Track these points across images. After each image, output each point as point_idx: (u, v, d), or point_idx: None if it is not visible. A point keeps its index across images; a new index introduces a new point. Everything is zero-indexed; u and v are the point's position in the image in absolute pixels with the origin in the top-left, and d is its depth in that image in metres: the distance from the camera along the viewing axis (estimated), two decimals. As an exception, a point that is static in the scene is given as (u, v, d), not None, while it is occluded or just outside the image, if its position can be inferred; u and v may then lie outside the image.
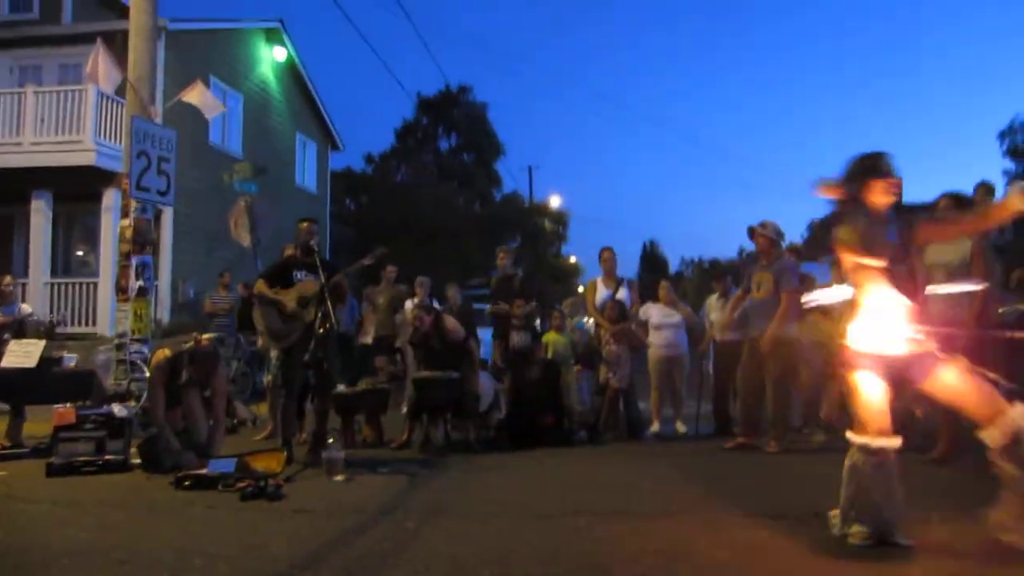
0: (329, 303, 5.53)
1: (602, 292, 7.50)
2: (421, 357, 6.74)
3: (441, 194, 26.08)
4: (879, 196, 3.08)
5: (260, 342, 7.50)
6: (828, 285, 6.73)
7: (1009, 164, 29.25)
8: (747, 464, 5.63)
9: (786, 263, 6.21)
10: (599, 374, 7.19)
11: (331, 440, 5.22)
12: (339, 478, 4.88)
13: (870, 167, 3.11)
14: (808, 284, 6.45)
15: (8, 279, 7.50)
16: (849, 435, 3.20)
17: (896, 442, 3.11)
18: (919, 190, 8.95)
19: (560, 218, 34.31)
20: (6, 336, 6.67)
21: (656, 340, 7.52)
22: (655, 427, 7.32)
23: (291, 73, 19.22)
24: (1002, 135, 29.77)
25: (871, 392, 3.10)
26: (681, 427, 7.39)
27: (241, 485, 4.44)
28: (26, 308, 7.80)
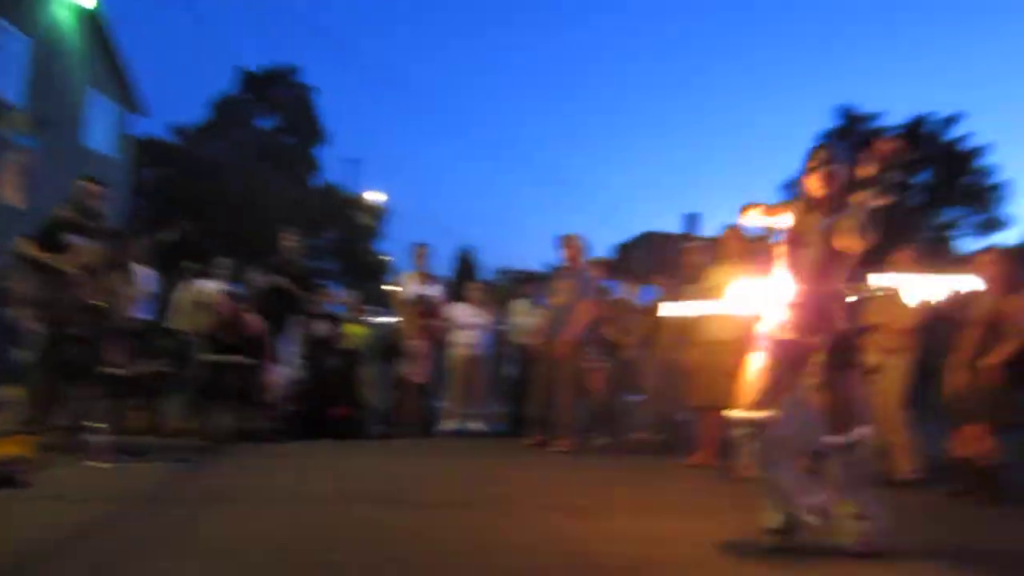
0: (112, 274, 5.07)
1: (412, 287, 7.52)
2: (211, 344, 6.37)
3: (256, 174, 24.78)
4: (812, 187, 3.27)
5: (18, 313, 6.70)
6: (623, 299, 7.32)
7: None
8: (539, 461, 5.88)
9: (584, 274, 6.62)
10: (399, 368, 7.20)
11: (97, 424, 4.79)
12: (104, 464, 4.50)
13: (809, 160, 3.29)
14: (604, 297, 6.94)
15: None
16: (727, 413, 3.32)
17: (767, 414, 3.13)
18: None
19: (377, 213, 33.84)
20: None
21: (460, 339, 7.66)
22: (452, 424, 7.45)
23: (91, 23, 17.43)
24: (786, 187, 33.34)
25: (751, 368, 3.24)
26: (478, 425, 7.58)
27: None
28: None
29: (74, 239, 5.14)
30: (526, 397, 7.51)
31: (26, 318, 5.76)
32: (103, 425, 4.80)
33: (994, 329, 4.68)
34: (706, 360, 5.44)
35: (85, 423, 4.90)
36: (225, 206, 22.50)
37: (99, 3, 17.13)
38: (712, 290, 5.57)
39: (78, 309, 5.02)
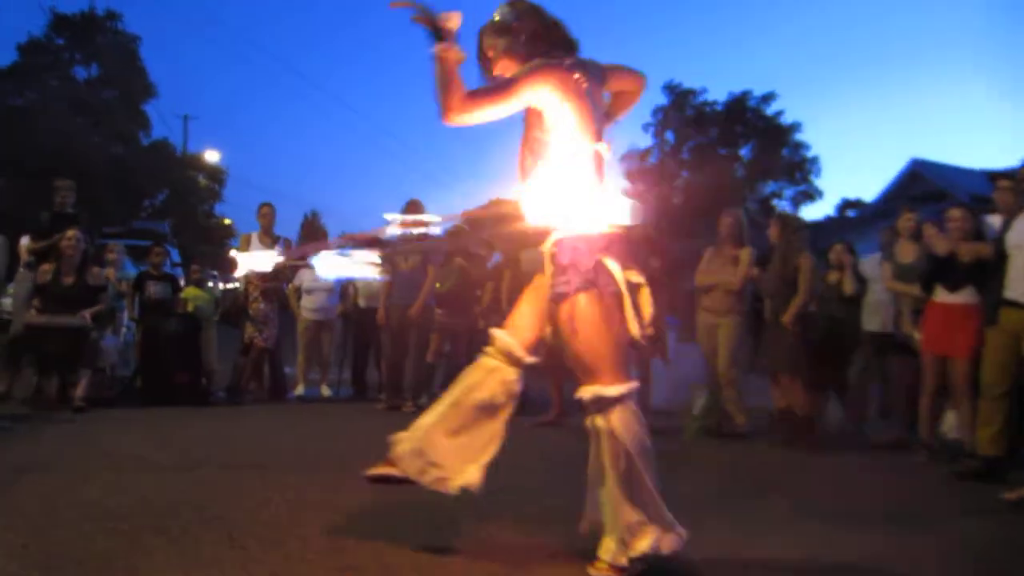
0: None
1: (256, 248, 7.21)
2: (45, 300, 5.84)
3: (69, 127, 22.48)
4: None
5: None
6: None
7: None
8: (388, 424, 5.88)
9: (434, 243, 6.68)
10: (244, 332, 6.94)
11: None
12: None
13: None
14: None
15: None
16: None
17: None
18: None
19: (216, 175, 31.96)
20: None
21: (307, 304, 7.48)
22: (299, 390, 7.29)
23: None
24: (621, 159, 34.99)
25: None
26: (326, 391, 7.47)
27: None
28: None
29: None
30: (366, 362, 7.56)
31: None
32: None
33: (788, 288, 5.28)
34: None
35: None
36: (36, 159, 20.28)
37: None
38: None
39: None
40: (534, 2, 2.54)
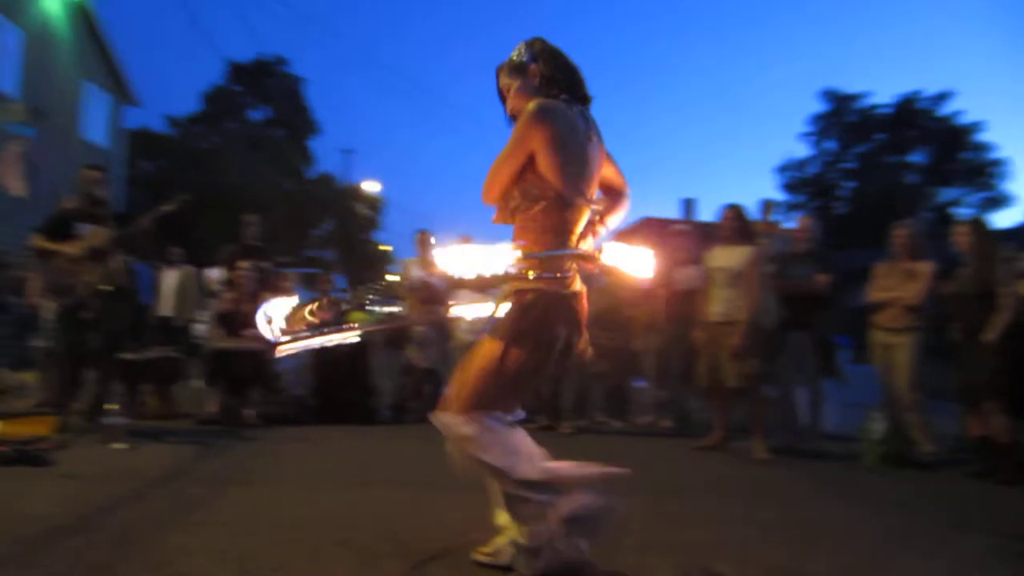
0: (120, 257, 5.11)
1: (416, 273, 7.54)
2: (228, 325, 6.41)
3: (250, 165, 24.71)
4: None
5: (33, 301, 6.74)
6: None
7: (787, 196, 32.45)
8: (545, 444, 5.93)
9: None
10: (406, 353, 7.24)
11: (113, 407, 4.84)
12: (119, 446, 4.54)
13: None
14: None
15: None
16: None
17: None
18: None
19: (375, 204, 33.83)
20: None
21: (463, 325, 7.69)
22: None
23: (82, 15, 17.33)
24: (780, 169, 33.39)
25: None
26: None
27: (1, 449, 3.99)
28: None
29: (82, 227, 5.22)
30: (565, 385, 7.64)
31: (40, 306, 5.79)
32: (117, 407, 4.85)
33: (984, 302, 4.76)
34: (710, 341, 5.50)
35: (101, 406, 4.95)
36: (219, 197, 22.42)
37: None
38: (712, 271, 5.64)
39: (89, 294, 5.06)
40: (553, 46, 2.50)
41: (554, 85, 2.41)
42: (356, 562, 2.62)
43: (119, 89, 19.32)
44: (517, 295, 2.35)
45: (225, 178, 23.37)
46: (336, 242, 27.59)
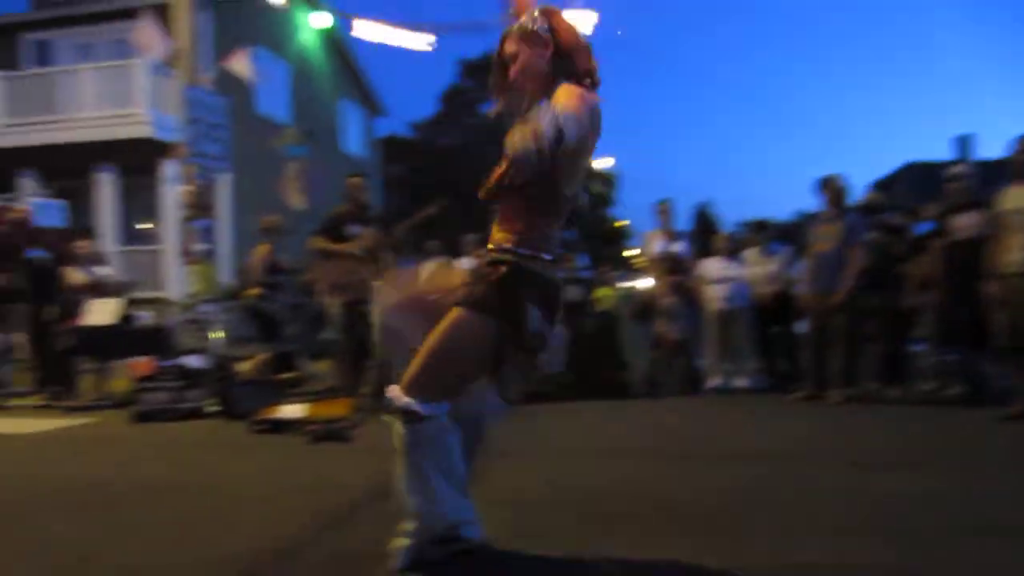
0: (388, 256, 5.65)
1: (658, 244, 7.44)
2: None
3: (488, 157, 25.98)
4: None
5: (320, 298, 7.69)
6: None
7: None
8: (812, 415, 5.62)
9: (853, 217, 6.18)
10: (655, 327, 7.19)
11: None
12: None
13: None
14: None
15: (86, 242, 7.76)
16: None
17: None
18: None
19: (609, 180, 33.97)
20: (84, 296, 6.96)
21: (714, 294, 7.46)
22: (714, 381, 7.31)
23: (334, 42, 19.32)
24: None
25: None
26: (741, 382, 7.36)
27: (311, 428, 4.61)
28: (103, 269, 8.05)
29: (353, 228, 5.83)
30: (775, 350, 7.24)
31: (327, 303, 6.60)
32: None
33: None
34: (1011, 295, 4.79)
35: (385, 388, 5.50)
36: (461, 190, 23.92)
37: (335, 22, 18.89)
38: (1006, 215, 4.90)
39: (368, 289, 5.64)
40: (570, 22, 2.25)
41: (567, 63, 2.20)
42: (638, 530, 2.65)
43: (369, 103, 21.32)
44: (492, 266, 2.18)
45: (465, 172, 24.86)
46: (574, 221, 28.14)
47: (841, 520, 2.71)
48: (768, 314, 7.11)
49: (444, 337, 2.13)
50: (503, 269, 2.14)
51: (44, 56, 15.06)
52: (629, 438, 4.75)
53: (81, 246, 7.32)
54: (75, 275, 7.05)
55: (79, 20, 14.90)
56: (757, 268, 7.29)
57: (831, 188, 6.22)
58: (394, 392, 2.19)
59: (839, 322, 6.01)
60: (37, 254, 6.95)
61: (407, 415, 2.15)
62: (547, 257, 2.18)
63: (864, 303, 6.09)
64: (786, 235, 10.44)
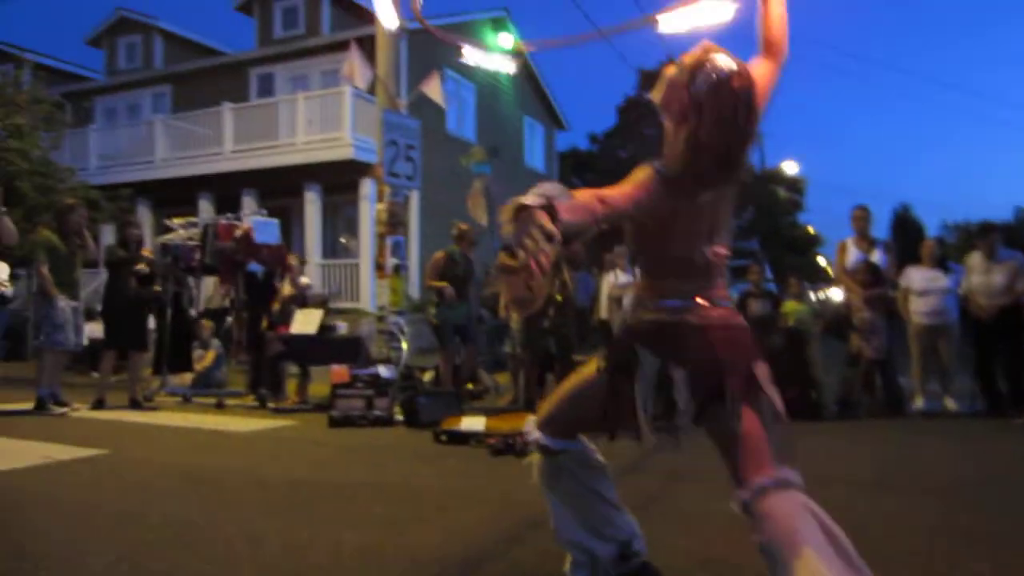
0: (565, 271, 5.70)
1: (854, 254, 6.90)
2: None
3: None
4: None
5: (502, 312, 7.92)
6: None
7: None
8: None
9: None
10: (851, 344, 6.67)
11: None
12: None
13: None
14: None
15: (293, 257, 8.58)
16: None
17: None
18: None
19: (796, 185, 32.15)
20: (292, 307, 7.69)
21: (919, 307, 6.79)
22: (919, 403, 6.65)
23: (518, 59, 19.90)
24: None
25: None
26: (951, 403, 6.64)
27: (491, 441, 4.74)
28: (306, 281, 8.85)
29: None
30: (993, 369, 6.44)
31: (508, 317, 6.79)
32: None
33: None
34: None
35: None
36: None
37: (516, 40, 19.46)
38: None
39: (546, 303, 5.74)
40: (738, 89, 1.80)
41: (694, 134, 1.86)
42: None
43: (551, 117, 21.73)
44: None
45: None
46: (758, 230, 26.89)
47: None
48: (994, 330, 6.33)
49: (574, 382, 2.18)
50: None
51: (265, 88, 16.87)
52: (816, 463, 4.42)
53: (292, 261, 8.09)
54: (286, 287, 7.81)
55: (295, 55, 16.54)
56: (980, 277, 6.52)
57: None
58: (530, 425, 2.26)
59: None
60: (255, 268, 7.76)
61: (542, 449, 2.21)
62: (661, 304, 2.03)
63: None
64: (1011, 239, 9.29)
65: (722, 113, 1.80)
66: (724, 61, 1.83)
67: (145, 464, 4.35)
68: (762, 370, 2.01)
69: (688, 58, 1.90)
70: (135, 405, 6.86)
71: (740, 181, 2.00)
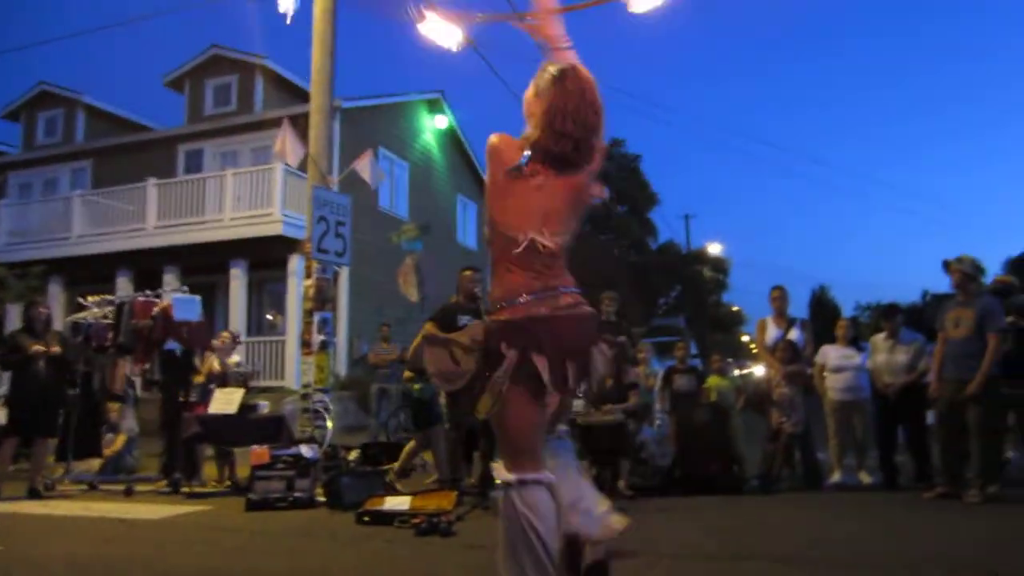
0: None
1: (773, 332, 7.15)
2: (592, 399, 6.72)
3: (596, 245, 26.25)
4: None
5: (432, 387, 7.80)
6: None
7: None
8: (946, 515, 5.12)
9: (988, 301, 5.75)
10: (771, 419, 6.84)
11: (498, 482, 5.32)
12: (507, 519, 4.95)
13: None
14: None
15: (226, 335, 8.33)
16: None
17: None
18: None
19: (720, 265, 33.38)
20: (212, 386, 7.42)
21: (835, 384, 7.04)
22: (836, 476, 6.82)
23: (451, 139, 20.36)
24: None
25: None
26: (866, 477, 6.83)
27: (415, 521, 4.62)
28: (235, 360, 8.56)
29: (463, 319, 5.97)
30: (894, 445, 6.70)
31: (437, 391, 6.70)
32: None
33: None
34: None
35: (489, 480, 5.48)
36: (576, 278, 24.14)
37: (454, 121, 19.97)
38: None
39: (473, 380, 5.71)
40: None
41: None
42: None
43: (483, 196, 22.20)
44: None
45: (575, 261, 25.13)
46: (684, 308, 27.66)
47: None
48: (895, 407, 6.62)
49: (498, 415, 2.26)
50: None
51: (194, 164, 16.70)
52: (738, 537, 4.46)
53: (222, 339, 7.87)
54: (214, 364, 7.57)
55: (226, 131, 16.51)
56: (885, 356, 6.82)
57: (958, 270, 5.83)
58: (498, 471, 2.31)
59: (975, 414, 5.52)
60: (173, 347, 7.50)
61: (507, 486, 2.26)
62: (521, 300, 2.24)
63: (1002, 393, 5.59)
64: (915, 320, 9.82)
65: (566, 104, 2.21)
66: (568, 63, 2.27)
67: (41, 560, 4.05)
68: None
69: (546, 63, 2.29)
70: (34, 495, 6.42)
71: (583, 171, 2.36)
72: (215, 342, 8.05)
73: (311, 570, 3.66)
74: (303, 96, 14.21)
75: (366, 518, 4.86)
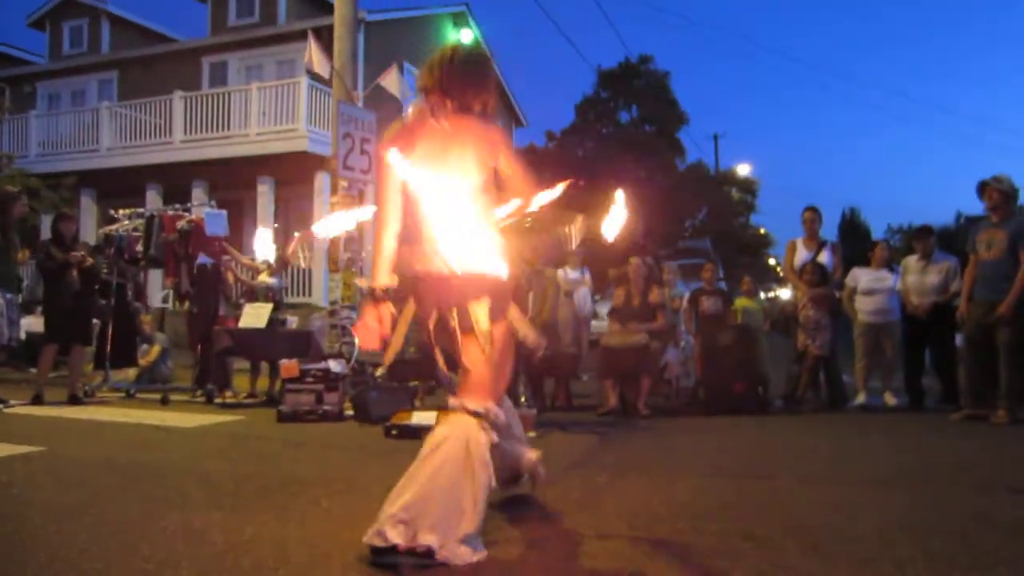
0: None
1: (802, 254, 7.07)
2: (620, 318, 6.75)
3: (623, 167, 25.77)
4: None
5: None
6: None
7: None
8: (972, 435, 5.13)
9: (1022, 221, 5.62)
10: (796, 341, 6.82)
11: (523, 399, 5.40)
12: (531, 434, 5.03)
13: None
14: None
15: (282, 256, 8.39)
16: None
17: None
18: None
19: (749, 187, 32.73)
20: (242, 300, 7.54)
21: (864, 306, 6.98)
22: (861, 398, 6.84)
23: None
24: None
25: None
26: (891, 399, 6.85)
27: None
28: (261, 276, 8.60)
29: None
30: (921, 367, 6.69)
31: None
32: (527, 399, 5.40)
33: None
34: None
35: (514, 398, 5.56)
36: (596, 200, 23.83)
37: (479, 35, 19.41)
38: None
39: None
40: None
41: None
42: (762, 554, 2.50)
43: (509, 113, 21.72)
44: None
45: (601, 181, 24.75)
46: (711, 230, 27.31)
47: (995, 555, 2.42)
48: (923, 329, 6.57)
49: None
50: None
51: (218, 77, 16.50)
52: (763, 457, 4.52)
53: (246, 257, 7.94)
54: (241, 278, 7.68)
55: (250, 44, 16.21)
56: (916, 277, 6.72)
57: (995, 190, 5.65)
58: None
59: (1005, 336, 5.46)
60: (203, 261, 7.58)
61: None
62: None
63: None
64: (948, 243, 9.63)
65: (453, 71, 2.64)
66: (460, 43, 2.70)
67: (83, 461, 4.21)
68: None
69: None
70: (75, 401, 6.66)
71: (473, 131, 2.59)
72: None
73: (341, 478, 3.76)
74: (327, 8, 13.84)
75: (394, 431, 4.97)
